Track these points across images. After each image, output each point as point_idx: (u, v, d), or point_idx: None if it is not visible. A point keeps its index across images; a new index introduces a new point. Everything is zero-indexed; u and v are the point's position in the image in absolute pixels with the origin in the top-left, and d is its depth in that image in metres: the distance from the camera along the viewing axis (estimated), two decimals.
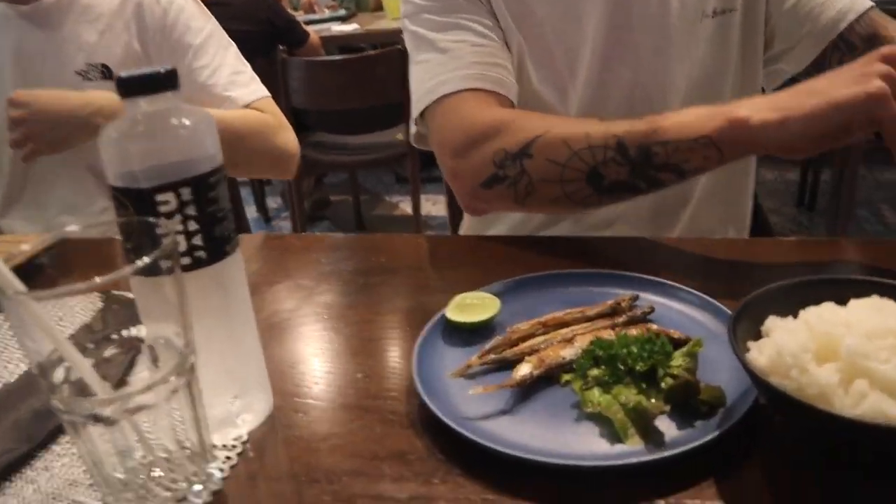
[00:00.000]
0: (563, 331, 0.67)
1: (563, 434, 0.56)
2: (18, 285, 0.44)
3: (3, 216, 1.36)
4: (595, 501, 0.51)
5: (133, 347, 0.51)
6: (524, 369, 0.61)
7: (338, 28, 3.84)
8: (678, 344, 0.63)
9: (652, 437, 0.54)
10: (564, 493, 0.52)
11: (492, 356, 0.65)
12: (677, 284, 0.74)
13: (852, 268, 0.84)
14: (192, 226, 0.52)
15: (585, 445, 0.55)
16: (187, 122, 0.53)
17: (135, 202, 0.52)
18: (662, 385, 0.58)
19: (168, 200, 0.52)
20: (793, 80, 0.91)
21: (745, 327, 0.56)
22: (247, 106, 1.28)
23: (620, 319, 0.69)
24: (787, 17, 1.02)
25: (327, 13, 4.32)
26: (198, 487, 0.52)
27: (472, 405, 0.60)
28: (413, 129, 1.07)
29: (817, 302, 0.57)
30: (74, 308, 0.48)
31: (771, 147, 0.76)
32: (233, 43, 1.33)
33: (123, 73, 0.51)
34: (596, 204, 0.89)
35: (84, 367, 0.46)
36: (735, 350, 0.52)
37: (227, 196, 0.56)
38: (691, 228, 1.11)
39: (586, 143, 0.84)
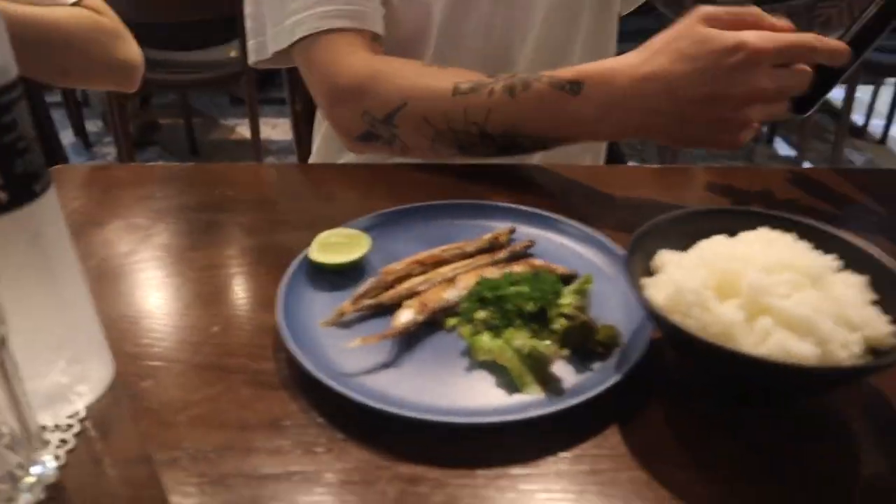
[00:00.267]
0: (443, 269, 0.62)
1: (455, 386, 0.51)
2: None
3: None
4: (495, 457, 0.47)
5: None
6: (405, 315, 0.55)
7: None
8: (565, 280, 0.60)
9: (550, 384, 0.50)
10: (462, 451, 0.47)
11: (367, 301, 0.58)
12: (555, 215, 0.70)
13: (716, 195, 0.84)
14: None
15: (481, 398, 0.50)
16: None
17: None
18: (555, 326, 0.54)
19: None
20: None
21: (637, 262, 0.53)
22: (77, 4, 1.07)
23: (501, 255, 0.64)
24: None
25: None
26: (28, 481, 0.43)
27: (350, 359, 0.53)
28: (254, 54, 0.97)
29: (708, 235, 0.55)
30: None
31: None
32: None
33: None
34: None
35: None
36: (634, 288, 0.49)
37: (28, 121, 0.45)
38: (550, 154, 1.09)
39: (447, 124, 0.81)
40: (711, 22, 0.70)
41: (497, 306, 0.55)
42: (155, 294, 0.64)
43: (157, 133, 3.60)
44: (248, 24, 0.96)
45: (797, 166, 2.88)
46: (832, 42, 0.69)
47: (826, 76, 0.70)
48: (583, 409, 0.48)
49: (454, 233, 0.68)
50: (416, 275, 0.61)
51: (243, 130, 3.65)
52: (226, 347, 0.57)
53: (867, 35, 0.71)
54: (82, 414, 0.50)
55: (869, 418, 0.50)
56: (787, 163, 3.37)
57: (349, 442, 0.48)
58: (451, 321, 0.57)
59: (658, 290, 0.50)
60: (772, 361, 0.43)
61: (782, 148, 3.53)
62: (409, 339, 0.56)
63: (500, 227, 0.68)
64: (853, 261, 0.52)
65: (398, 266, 0.62)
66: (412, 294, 0.59)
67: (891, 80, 3.56)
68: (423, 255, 0.63)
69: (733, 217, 0.56)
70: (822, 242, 0.53)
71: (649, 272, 0.54)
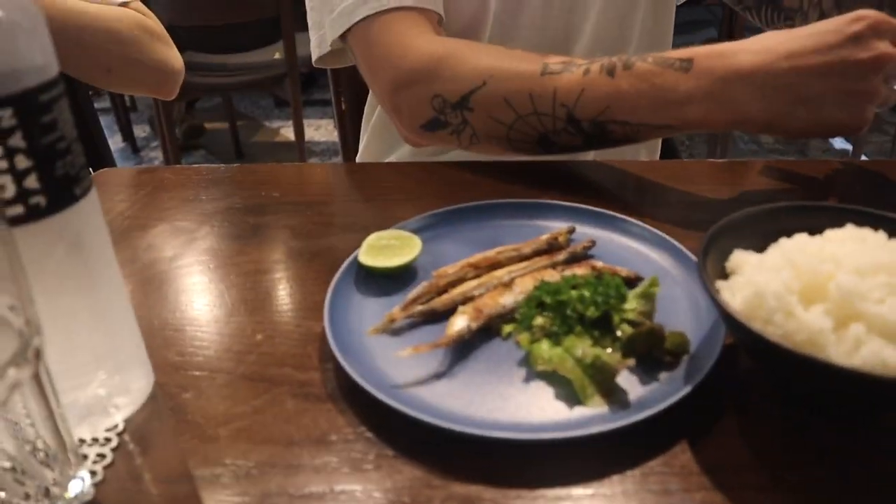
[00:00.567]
0: (499, 273, 0.58)
1: (512, 399, 0.48)
2: None
3: None
4: (556, 476, 0.43)
5: None
6: (460, 322, 0.52)
7: None
8: (629, 283, 0.56)
9: (615, 396, 0.47)
10: (521, 469, 0.44)
11: (418, 307, 0.55)
12: (616, 213, 0.66)
13: (779, 190, 0.79)
14: (22, 162, 0.39)
15: (540, 411, 0.47)
16: None
17: None
18: (619, 333, 0.50)
19: None
20: None
21: (711, 263, 0.49)
22: (124, 5, 1.07)
23: (560, 257, 0.60)
24: None
25: None
26: (64, 499, 0.41)
27: (400, 369, 0.50)
28: (316, 50, 0.93)
29: (787, 233, 0.50)
30: None
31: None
32: None
33: None
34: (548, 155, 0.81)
35: None
36: (708, 292, 0.45)
37: (70, 121, 0.42)
38: (604, 151, 1.04)
39: (532, 108, 0.75)
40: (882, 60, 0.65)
41: (557, 312, 0.51)
42: (198, 300, 0.62)
43: (203, 137, 3.65)
44: (310, 17, 0.92)
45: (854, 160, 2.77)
46: None
47: None
48: (650, 424, 0.45)
49: (509, 234, 0.65)
50: (471, 278, 0.58)
51: (287, 132, 3.67)
52: (270, 357, 0.54)
53: None
54: (121, 427, 0.48)
55: None
56: (842, 157, 3.25)
57: (399, 459, 0.45)
58: (508, 328, 0.53)
59: (734, 293, 0.46)
60: (867, 374, 0.39)
61: (837, 141, 3.41)
62: (463, 348, 0.52)
63: (558, 226, 0.64)
64: None
65: (451, 269, 0.58)
66: (466, 299, 0.55)
67: None
68: (478, 257, 0.60)
69: (816, 213, 0.52)
70: None
71: (723, 274, 0.50)
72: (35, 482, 0.40)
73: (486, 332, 0.53)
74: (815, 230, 0.50)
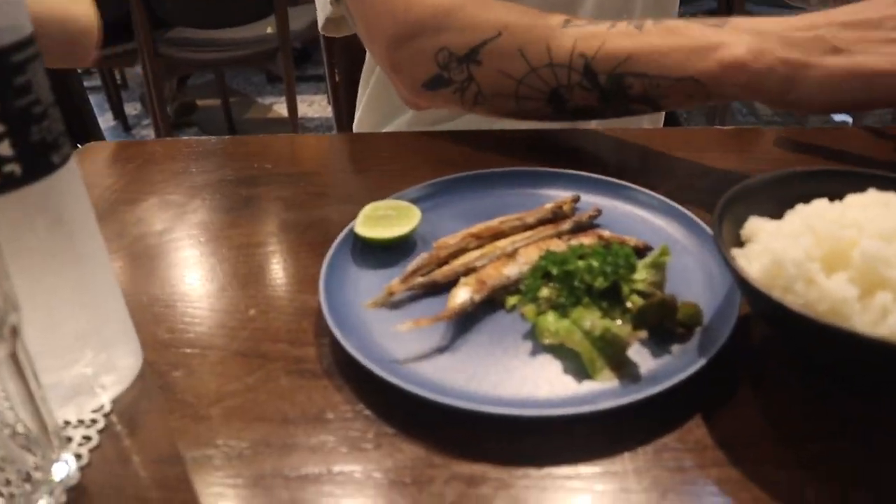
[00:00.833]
0: (502, 243, 0.56)
1: (517, 374, 0.45)
2: None
3: None
4: (565, 454, 0.41)
5: None
6: (462, 294, 0.50)
7: None
8: (638, 253, 0.54)
9: (625, 370, 0.44)
10: (528, 447, 0.42)
11: (418, 279, 0.53)
12: (623, 182, 0.64)
13: (790, 157, 0.76)
14: None
15: (547, 386, 0.44)
16: None
17: None
18: (628, 305, 0.48)
19: None
20: None
21: (726, 230, 0.47)
22: None
23: (565, 226, 0.58)
24: None
25: None
26: (47, 484, 0.39)
27: (400, 344, 0.48)
28: (322, 14, 0.90)
29: (805, 200, 0.48)
30: None
31: (772, 101, 0.64)
32: None
33: None
34: (556, 121, 0.77)
35: None
36: (725, 260, 0.43)
37: (46, 84, 0.40)
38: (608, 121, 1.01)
39: (548, 58, 0.70)
40: None
41: (563, 283, 0.49)
42: (189, 275, 0.60)
43: (195, 114, 3.60)
44: None
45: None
46: None
47: None
48: (663, 398, 0.42)
49: (512, 203, 0.62)
50: (472, 249, 0.56)
51: (280, 109, 3.62)
52: (264, 332, 0.52)
53: None
54: (108, 408, 0.46)
55: None
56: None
57: (400, 437, 0.43)
58: (513, 300, 0.51)
59: (751, 261, 0.44)
60: (894, 344, 0.37)
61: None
62: (466, 321, 0.50)
63: (563, 195, 0.62)
64: None
65: (452, 240, 0.56)
66: (468, 270, 0.53)
67: None
68: (480, 227, 0.57)
69: (835, 179, 0.49)
70: None
71: (738, 242, 0.47)
72: (15, 467, 0.37)
73: (490, 304, 0.51)
74: (834, 196, 0.48)
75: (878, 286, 0.40)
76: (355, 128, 1.13)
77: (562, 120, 0.76)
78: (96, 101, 3.86)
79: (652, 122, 1.09)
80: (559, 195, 0.63)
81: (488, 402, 0.42)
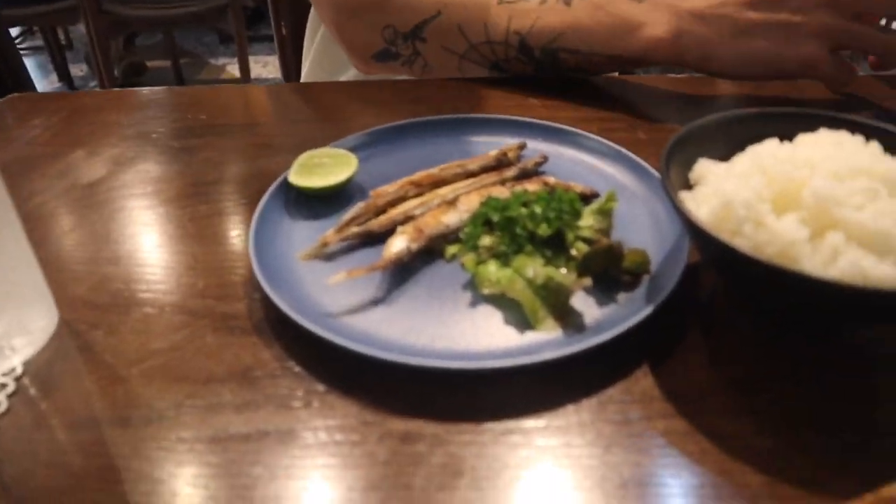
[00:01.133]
0: (442, 191, 0.53)
1: (456, 325, 0.43)
2: None
3: None
4: (505, 408, 0.39)
5: None
6: (398, 243, 0.47)
7: None
8: (584, 200, 0.52)
9: (569, 320, 0.42)
10: (466, 402, 0.40)
11: (353, 229, 0.50)
12: (570, 128, 0.61)
13: (752, 102, 0.75)
14: None
15: (487, 338, 0.42)
16: None
17: None
18: (573, 252, 0.46)
19: None
20: None
21: (674, 174, 0.44)
22: None
23: (510, 173, 0.55)
24: None
25: None
26: None
27: (333, 297, 0.45)
28: None
29: (756, 141, 0.46)
30: None
31: (694, 70, 0.70)
32: None
33: None
34: None
35: None
36: (673, 203, 0.41)
37: None
38: None
39: (485, 36, 0.73)
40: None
41: (506, 230, 0.46)
42: (113, 231, 0.56)
43: (144, 75, 3.48)
44: None
45: None
46: None
47: None
48: (608, 348, 0.40)
49: (455, 151, 0.59)
50: (411, 197, 0.53)
51: (233, 69, 3.53)
52: (191, 288, 0.49)
53: None
54: (19, 371, 0.43)
55: None
56: None
57: (331, 394, 0.40)
58: (452, 249, 0.48)
59: (700, 204, 0.42)
60: (845, 285, 0.35)
61: None
62: (403, 272, 0.47)
63: (508, 142, 0.59)
64: None
65: (390, 188, 0.53)
66: (406, 219, 0.50)
67: None
68: (420, 175, 0.55)
69: (786, 119, 0.47)
70: (892, 146, 0.44)
71: (687, 185, 0.45)
72: None
73: (429, 254, 0.49)
74: (785, 137, 0.46)
75: (828, 227, 0.38)
76: (303, 79, 1.08)
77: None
78: (39, 61, 3.71)
79: None
80: (505, 142, 0.60)
81: (425, 355, 0.40)
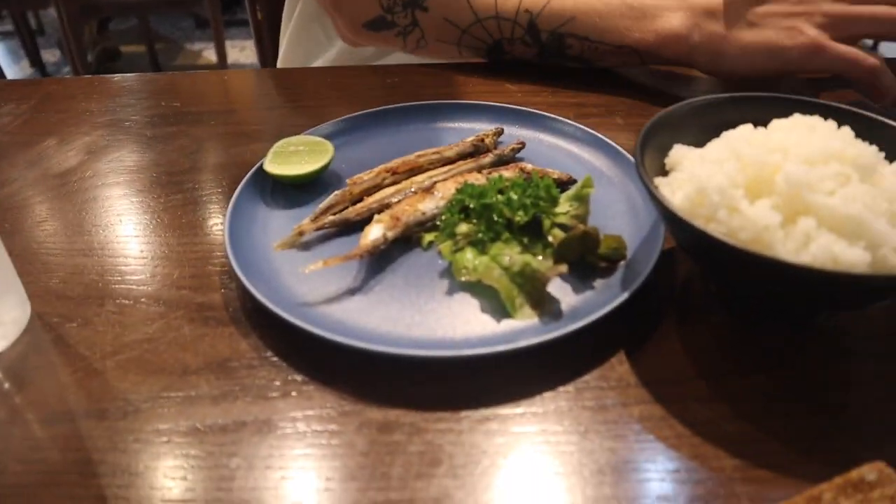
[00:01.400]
0: (419, 178, 0.53)
1: (433, 314, 0.43)
2: None
3: None
4: (482, 396, 0.39)
5: None
6: (375, 231, 0.47)
7: None
8: (561, 186, 0.52)
9: (546, 307, 0.42)
10: (444, 390, 0.40)
11: (330, 217, 0.50)
12: (547, 113, 0.61)
13: (728, 88, 0.75)
14: None
15: (465, 326, 0.42)
16: None
17: None
18: (549, 239, 0.46)
19: None
20: None
21: (649, 159, 0.45)
22: None
23: (486, 160, 0.55)
24: None
25: None
26: None
27: (310, 286, 0.45)
28: None
29: (731, 126, 0.46)
30: None
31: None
32: None
33: None
34: None
35: None
36: (647, 189, 0.41)
37: None
38: None
39: (494, 10, 0.71)
40: None
41: (482, 217, 0.46)
42: (85, 221, 0.55)
43: (119, 61, 3.42)
44: None
45: None
46: None
47: None
48: (584, 335, 0.41)
49: (432, 138, 0.59)
50: (388, 185, 0.53)
51: (210, 55, 3.48)
52: (166, 279, 0.48)
53: None
54: None
55: None
56: None
57: (309, 384, 0.40)
58: (429, 237, 0.48)
59: (675, 190, 0.42)
60: (817, 270, 0.35)
61: None
62: (380, 260, 0.47)
63: (486, 128, 0.59)
64: None
65: (367, 176, 0.53)
66: (383, 207, 0.50)
67: None
68: (396, 162, 0.54)
69: (760, 104, 0.47)
70: (862, 130, 0.44)
71: (663, 171, 0.45)
72: None
73: (406, 242, 0.49)
74: (759, 122, 0.46)
75: (801, 212, 0.38)
76: (279, 66, 1.07)
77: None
78: (9, 47, 3.64)
79: None
80: (482, 128, 0.60)
81: (402, 344, 0.40)
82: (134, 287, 0.48)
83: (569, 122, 0.60)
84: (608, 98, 0.70)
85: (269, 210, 0.52)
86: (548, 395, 0.39)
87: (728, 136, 0.45)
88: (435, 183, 0.51)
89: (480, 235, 0.46)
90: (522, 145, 0.57)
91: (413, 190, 0.51)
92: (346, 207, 0.51)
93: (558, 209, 0.47)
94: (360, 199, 0.51)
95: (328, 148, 0.55)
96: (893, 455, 0.35)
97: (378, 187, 0.52)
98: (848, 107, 0.47)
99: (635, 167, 0.42)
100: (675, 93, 0.72)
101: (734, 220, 0.39)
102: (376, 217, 0.48)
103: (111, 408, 0.40)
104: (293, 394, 0.40)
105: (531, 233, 0.46)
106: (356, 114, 0.62)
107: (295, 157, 0.54)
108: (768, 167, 0.40)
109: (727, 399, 0.39)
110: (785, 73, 0.66)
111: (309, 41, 0.99)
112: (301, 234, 0.48)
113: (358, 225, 0.49)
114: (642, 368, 0.41)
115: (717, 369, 0.41)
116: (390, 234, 0.47)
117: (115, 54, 3.42)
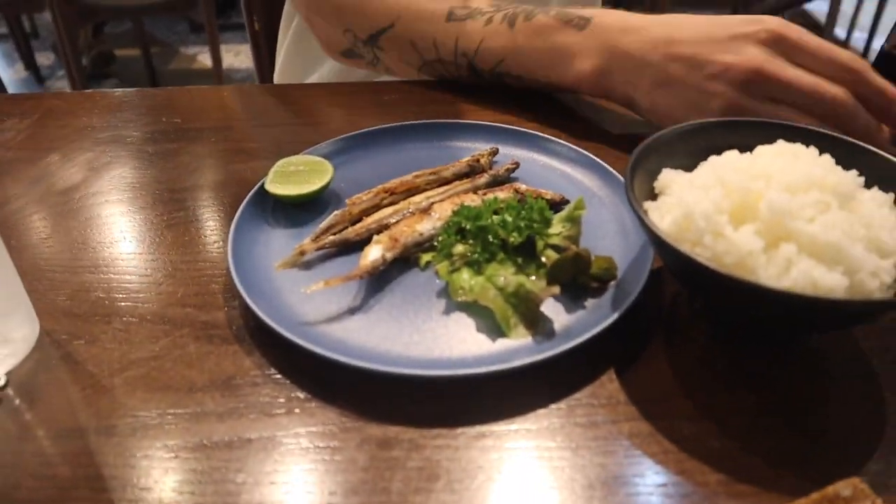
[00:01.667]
0: (416, 198, 0.54)
1: (431, 333, 0.45)
2: None
3: None
4: (478, 413, 0.41)
5: None
6: (374, 252, 0.48)
7: None
8: (554, 207, 0.53)
9: (539, 326, 0.44)
10: (441, 407, 0.41)
11: (330, 237, 0.51)
12: (541, 134, 0.63)
13: None
14: None
15: (461, 345, 0.44)
16: None
17: None
18: (543, 259, 0.47)
19: None
20: None
21: (638, 183, 0.46)
22: None
23: (482, 180, 0.57)
24: None
25: None
26: None
27: (311, 305, 0.46)
28: None
29: (718, 151, 0.48)
30: None
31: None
32: None
33: None
34: None
35: None
36: (636, 213, 0.42)
37: None
38: None
39: (436, 54, 0.74)
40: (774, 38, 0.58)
41: (478, 238, 0.48)
42: (91, 238, 0.57)
43: (114, 64, 3.43)
44: None
45: None
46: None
47: None
48: (576, 354, 0.42)
49: (429, 157, 0.61)
50: (386, 205, 0.54)
51: (205, 59, 3.49)
52: (171, 297, 0.50)
53: None
54: (2, 381, 0.43)
55: (889, 352, 0.45)
56: None
57: (311, 401, 0.42)
58: (426, 257, 0.50)
59: (663, 214, 0.44)
60: (798, 295, 0.37)
61: None
62: (379, 281, 0.49)
63: (482, 148, 0.61)
64: (877, 176, 0.45)
65: (365, 196, 0.55)
66: (381, 228, 0.52)
67: None
68: (394, 182, 0.56)
69: (746, 129, 0.49)
70: (844, 156, 0.46)
71: (652, 194, 0.47)
72: None
73: (404, 262, 0.50)
74: (745, 147, 0.48)
75: (782, 238, 0.40)
76: (276, 79, 1.09)
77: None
78: (4, 49, 3.64)
79: None
80: (478, 148, 0.62)
81: (401, 363, 0.42)
82: (139, 305, 0.49)
83: (562, 142, 0.62)
84: (601, 118, 0.72)
85: (270, 229, 0.54)
86: (541, 412, 0.41)
87: (714, 162, 0.46)
88: (432, 204, 0.53)
89: (476, 256, 0.47)
90: (517, 165, 0.59)
91: (411, 211, 0.53)
92: (346, 227, 0.52)
93: (551, 230, 0.49)
94: (360, 219, 0.53)
95: (328, 168, 0.56)
96: (871, 471, 0.37)
97: (377, 207, 0.54)
98: (830, 132, 0.49)
99: (625, 191, 0.44)
100: None
101: (719, 245, 0.40)
102: (375, 238, 0.50)
103: (120, 424, 0.41)
104: (296, 411, 0.41)
105: (525, 253, 0.48)
106: (354, 133, 0.63)
107: (295, 176, 0.55)
108: (752, 194, 0.41)
109: (713, 416, 0.41)
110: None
111: (306, 54, 1.01)
112: (302, 253, 0.49)
113: (357, 245, 0.51)
114: (631, 386, 0.42)
115: (703, 388, 0.42)
116: (389, 255, 0.48)
117: (110, 58, 3.43)
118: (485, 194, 0.54)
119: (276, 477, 0.38)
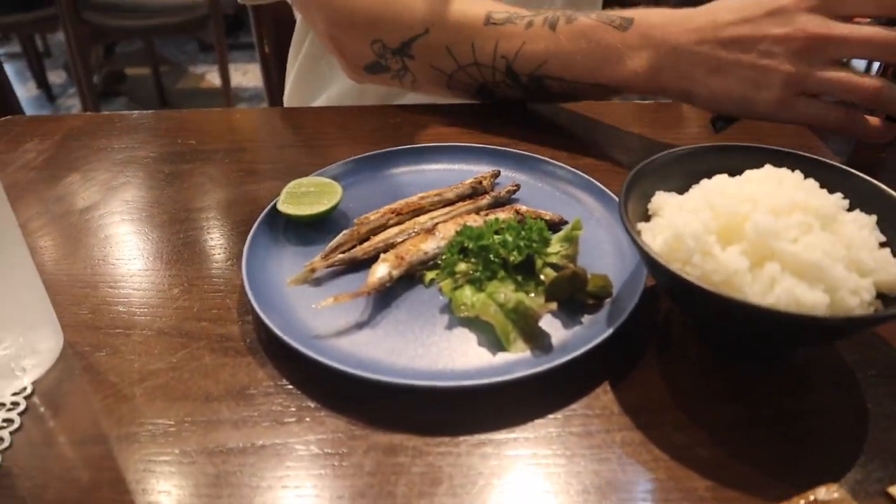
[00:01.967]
0: (422, 219, 0.57)
1: (434, 346, 0.47)
2: None
3: None
4: (479, 422, 0.43)
5: None
6: (381, 270, 0.51)
7: None
8: (553, 227, 0.56)
9: (537, 341, 0.46)
10: (444, 416, 0.44)
11: (339, 255, 0.54)
12: (542, 157, 0.66)
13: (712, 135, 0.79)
14: None
15: (463, 358, 0.46)
16: None
17: None
18: (542, 277, 0.50)
19: None
20: None
21: (633, 205, 0.49)
22: None
23: (484, 201, 0.60)
24: None
25: None
26: None
27: (321, 320, 0.49)
28: None
29: (709, 174, 0.50)
30: None
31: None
32: None
33: None
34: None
35: None
36: (629, 233, 0.45)
37: None
38: None
39: (472, 58, 0.74)
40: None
41: (479, 257, 0.51)
42: (111, 254, 0.59)
43: (124, 83, 3.48)
44: None
45: None
46: None
47: None
48: (572, 367, 0.45)
49: (433, 178, 0.63)
50: (393, 225, 0.57)
51: (213, 78, 3.54)
52: (188, 311, 0.52)
53: None
54: (29, 390, 0.46)
55: (871, 365, 0.47)
56: None
57: (321, 410, 0.44)
58: (431, 275, 0.52)
59: (655, 235, 0.46)
60: (781, 312, 0.39)
61: None
62: (385, 297, 0.51)
63: (483, 170, 0.64)
64: (861, 199, 0.48)
65: (373, 216, 0.57)
66: (388, 246, 0.54)
67: None
68: (400, 203, 0.59)
69: (736, 154, 0.52)
70: (829, 179, 0.49)
71: (646, 216, 0.50)
72: None
73: (409, 279, 0.53)
74: (736, 170, 0.50)
75: (767, 258, 0.42)
76: (286, 101, 1.12)
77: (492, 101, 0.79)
78: (17, 68, 3.69)
79: None
80: (480, 170, 0.64)
81: (406, 375, 0.44)
82: (158, 318, 0.52)
83: (561, 165, 0.64)
84: (600, 141, 0.75)
85: (282, 247, 0.56)
86: (539, 421, 0.43)
87: (704, 185, 0.49)
88: (436, 224, 0.56)
89: (478, 274, 0.50)
90: (518, 188, 0.62)
91: (416, 230, 0.55)
92: (354, 246, 0.55)
93: (550, 249, 0.51)
94: (367, 238, 0.56)
95: (337, 189, 0.59)
96: (852, 478, 0.39)
97: (383, 227, 0.56)
98: (817, 157, 0.51)
99: (619, 213, 0.46)
100: (663, 138, 0.76)
101: (707, 264, 0.43)
102: (382, 256, 0.52)
103: (140, 431, 0.43)
104: (307, 419, 0.44)
105: (525, 271, 0.51)
106: (362, 155, 0.66)
107: (306, 197, 0.58)
108: (739, 216, 0.44)
109: (702, 426, 0.43)
110: (751, 118, 0.66)
111: (315, 78, 1.03)
112: (313, 270, 0.52)
113: (365, 263, 0.54)
114: (625, 398, 0.45)
115: (693, 399, 0.45)
116: (395, 273, 0.51)
117: (121, 77, 3.48)
118: (486, 215, 0.57)
119: (287, 481, 0.40)
